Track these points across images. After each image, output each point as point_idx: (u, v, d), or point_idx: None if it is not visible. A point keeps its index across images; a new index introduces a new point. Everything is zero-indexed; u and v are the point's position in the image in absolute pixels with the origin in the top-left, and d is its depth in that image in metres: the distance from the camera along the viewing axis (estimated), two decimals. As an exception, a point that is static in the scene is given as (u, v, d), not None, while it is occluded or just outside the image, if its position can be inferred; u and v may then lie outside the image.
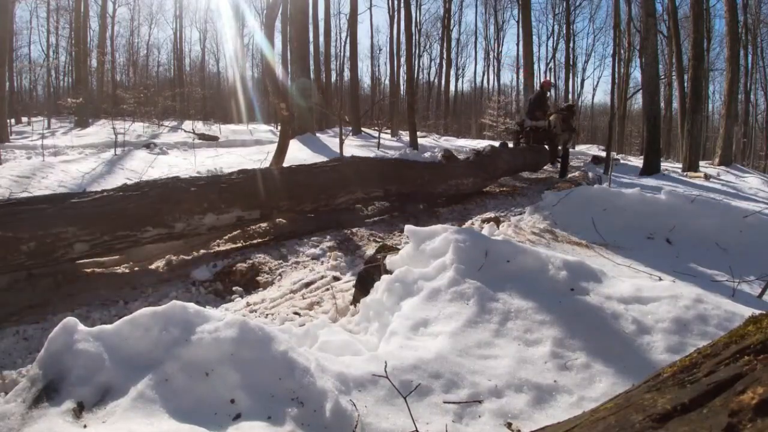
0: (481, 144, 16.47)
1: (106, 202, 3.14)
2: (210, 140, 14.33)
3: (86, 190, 3.95)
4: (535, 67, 22.82)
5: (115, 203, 3.16)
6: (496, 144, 8.64)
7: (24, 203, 3.00)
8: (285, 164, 6.45)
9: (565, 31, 29.13)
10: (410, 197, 5.08)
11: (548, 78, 28.69)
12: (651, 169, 9.45)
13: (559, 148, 8.57)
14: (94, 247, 3.05)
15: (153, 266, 3.57)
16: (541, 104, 8.55)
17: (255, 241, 4.17)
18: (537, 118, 8.28)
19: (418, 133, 13.81)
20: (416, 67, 28.32)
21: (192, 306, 1.56)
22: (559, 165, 8.83)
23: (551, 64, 32.36)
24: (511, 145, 8.82)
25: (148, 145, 11.23)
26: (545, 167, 9.11)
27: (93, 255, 3.16)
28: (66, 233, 2.90)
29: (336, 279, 3.32)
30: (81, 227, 2.95)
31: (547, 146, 8.54)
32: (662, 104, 17.65)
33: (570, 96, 29.47)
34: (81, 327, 1.43)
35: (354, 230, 4.35)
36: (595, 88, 48.42)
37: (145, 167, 7.01)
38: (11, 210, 2.83)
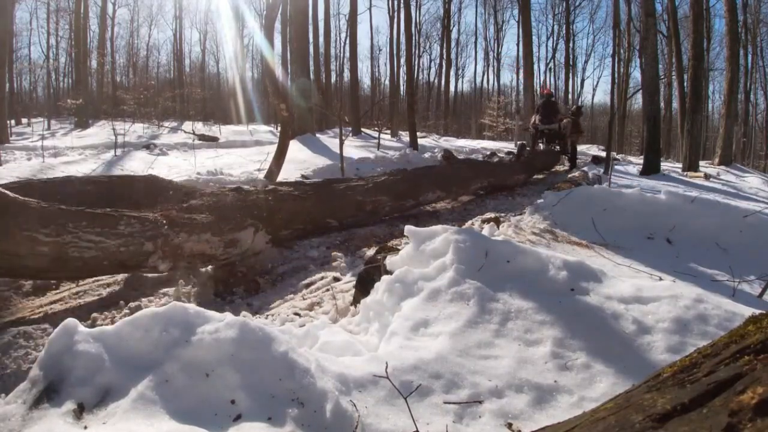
0: (481, 144, 16.50)
1: (389, 183, 4.88)
2: (210, 141, 14.35)
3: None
4: (535, 67, 22.90)
5: (392, 184, 4.89)
6: (509, 145, 9.71)
7: (343, 181, 4.82)
8: (285, 164, 6.46)
9: (564, 31, 29.20)
10: (498, 188, 6.89)
11: (546, 80, 28.91)
12: (651, 169, 9.44)
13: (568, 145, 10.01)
14: (391, 210, 4.82)
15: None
16: (553, 109, 9.89)
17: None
18: (552, 122, 9.67)
19: (418, 134, 13.81)
20: (416, 68, 28.32)
21: (192, 307, 1.56)
22: (567, 160, 10.15)
23: (551, 64, 32.43)
24: (521, 144, 10.38)
25: (148, 146, 11.24)
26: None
27: (391, 213, 4.86)
28: (382, 200, 4.64)
29: (336, 279, 3.32)
30: (386, 195, 4.68)
31: (558, 145, 9.92)
32: (662, 104, 17.65)
33: (569, 96, 29.54)
34: (81, 328, 1.43)
35: (354, 231, 4.36)
36: (595, 88, 48.32)
37: (145, 168, 7.02)
38: (348, 185, 4.50)
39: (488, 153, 13.04)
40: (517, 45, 28.22)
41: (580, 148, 15.53)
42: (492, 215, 5.00)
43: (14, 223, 2.26)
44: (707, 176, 9.59)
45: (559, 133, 9.67)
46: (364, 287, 2.58)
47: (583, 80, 34.12)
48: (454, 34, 32.26)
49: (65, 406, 1.24)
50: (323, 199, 4.01)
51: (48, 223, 2.36)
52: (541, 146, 9.96)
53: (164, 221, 2.72)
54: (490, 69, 34.69)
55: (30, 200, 2.42)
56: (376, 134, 13.72)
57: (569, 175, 8.39)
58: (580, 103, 13.88)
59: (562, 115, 9.84)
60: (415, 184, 5.13)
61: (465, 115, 33.96)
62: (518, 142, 11.52)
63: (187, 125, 19.08)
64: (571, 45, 29.61)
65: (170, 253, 2.73)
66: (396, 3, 22.73)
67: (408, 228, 2.62)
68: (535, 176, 9.06)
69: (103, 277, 3.29)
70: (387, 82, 29.28)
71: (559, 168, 9.99)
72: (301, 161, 7.96)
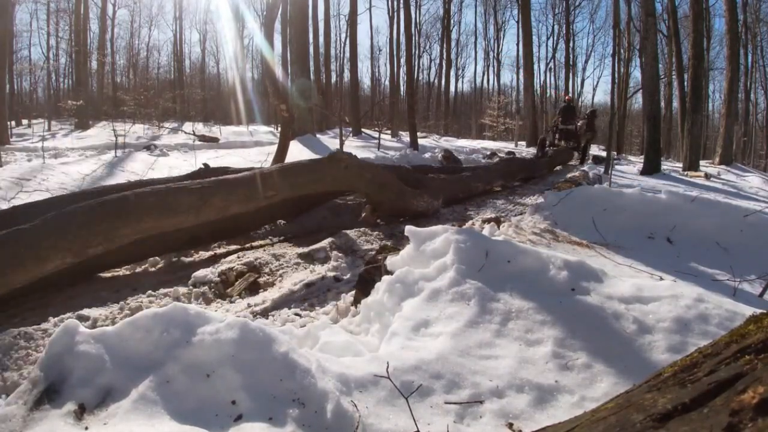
0: (482, 144, 16.51)
1: (480, 173, 7.07)
2: (210, 142, 14.37)
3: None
4: (535, 67, 22.88)
5: (482, 174, 7.08)
6: (509, 145, 10.70)
7: (461, 170, 7.55)
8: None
9: (564, 31, 29.20)
10: (528, 179, 8.63)
11: (546, 80, 29.02)
12: (651, 168, 9.46)
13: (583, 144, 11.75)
14: (481, 192, 6.81)
15: (154, 268, 3.57)
16: (571, 113, 12.00)
17: (256, 243, 4.17)
18: (569, 123, 11.59)
19: (418, 134, 13.82)
20: (416, 68, 28.32)
21: (193, 307, 1.56)
22: (580, 155, 11.83)
23: (551, 64, 32.40)
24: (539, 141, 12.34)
25: (148, 147, 11.24)
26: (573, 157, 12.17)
27: (481, 194, 6.79)
28: (479, 185, 6.72)
29: (337, 280, 3.32)
30: (479, 182, 6.76)
31: (573, 142, 11.71)
32: (662, 104, 17.64)
33: (570, 95, 29.65)
34: (82, 329, 1.43)
35: (354, 230, 4.35)
36: (595, 88, 48.30)
37: (145, 169, 7.02)
38: (464, 175, 6.80)
39: (488, 153, 13.08)
40: (517, 45, 28.16)
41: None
42: (492, 215, 5.01)
43: (428, 194, 5.18)
44: (708, 176, 9.60)
45: (575, 133, 11.60)
46: (364, 287, 2.58)
47: (583, 80, 34.10)
48: (454, 34, 32.27)
49: (66, 406, 1.24)
50: (459, 183, 6.43)
51: (420, 196, 5.02)
52: (563, 143, 11.77)
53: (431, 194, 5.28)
54: (490, 69, 34.70)
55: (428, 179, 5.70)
56: (376, 134, 13.73)
57: (569, 175, 8.43)
58: (593, 108, 15.39)
59: (579, 118, 11.80)
60: (491, 175, 7.40)
61: (465, 115, 33.98)
62: (540, 137, 13.82)
63: (188, 126, 19.09)
64: (571, 45, 29.62)
65: (433, 208, 5.26)
66: (396, 3, 22.79)
67: (408, 228, 2.62)
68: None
69: (105, 276, 3.29)
70: (387, 82, 29.30)
71: (571, 163, 11.29)
72: (302, 162, 7.95)
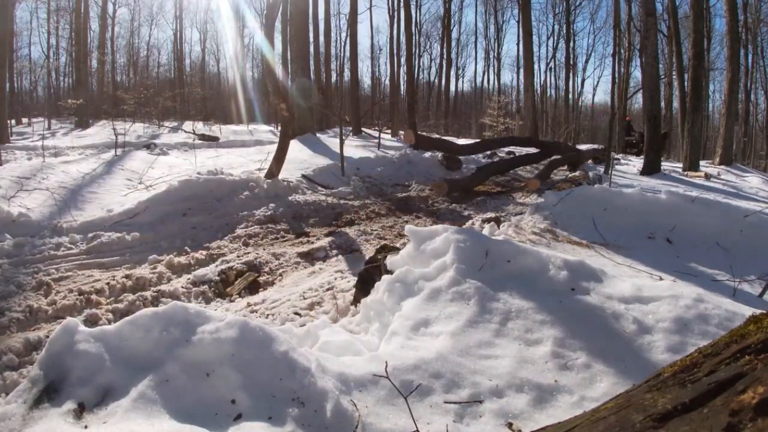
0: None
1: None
2: (210, 141, 14.35)
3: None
4: (536, 66, 22.84)
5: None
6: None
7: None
8: (286, 164, 6.46)
9: (565, 31, 29.14)
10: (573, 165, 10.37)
11: (547, 80, 29.08)
12: (651, 168, 9.45)
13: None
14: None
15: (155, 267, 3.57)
16: (630, 128, 16.39)
17: (256, 241, 4.17)
18: (628, 136, 15.96)
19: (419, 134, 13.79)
20: (416, 67, 28.25)
21: (192, 306, 1.56)
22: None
23: (551, 64, 32.33)
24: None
25: (148, 146, 11.23)
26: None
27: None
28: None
29: (339, 272, 3.32)
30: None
31: (632, 148, 15.79)
32: (662, 104, 17.64)
33: (570, 96, 29.80)
34: (82, 328, 1.43)
35: (354, 229, 4.35)
36: (595, 88, 48.51)
37: (145, 168, 7.01)
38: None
39: (489, 153, 13.06)
40: (518, 45, 28.08)
41: (582, 147, 16.96)
42: (492, 215, 5.01)
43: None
44: (708, 176, 9.60)
45: (632, 143, 16.03)
46: (364, 287, 2.58)
47: (583, 80, 33.98)
48: (454, 34, 32.18)
49: (66, 405, 1.24)
50: (585, 156, 9.49)
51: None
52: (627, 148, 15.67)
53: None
54: (491, 69, 34.59)
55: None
56: (376, 134, 13.72)
57: (569, 175, 8.43)
58: (665, 131, 17.60)
59: (635, 131, 16.18)
60: (589, 154, 9.85)
61: (465, 115, 33.94)
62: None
63: (188, 125, 19.08)
64: (571, 45, 29.55)
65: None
66: (396, 2, 22.71)
67: (408, 228, 2.62)
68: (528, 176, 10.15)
69: (103, 276, 3.29)
70: (387, 81, 29.23)
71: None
72: (302, 161, 7.95)
